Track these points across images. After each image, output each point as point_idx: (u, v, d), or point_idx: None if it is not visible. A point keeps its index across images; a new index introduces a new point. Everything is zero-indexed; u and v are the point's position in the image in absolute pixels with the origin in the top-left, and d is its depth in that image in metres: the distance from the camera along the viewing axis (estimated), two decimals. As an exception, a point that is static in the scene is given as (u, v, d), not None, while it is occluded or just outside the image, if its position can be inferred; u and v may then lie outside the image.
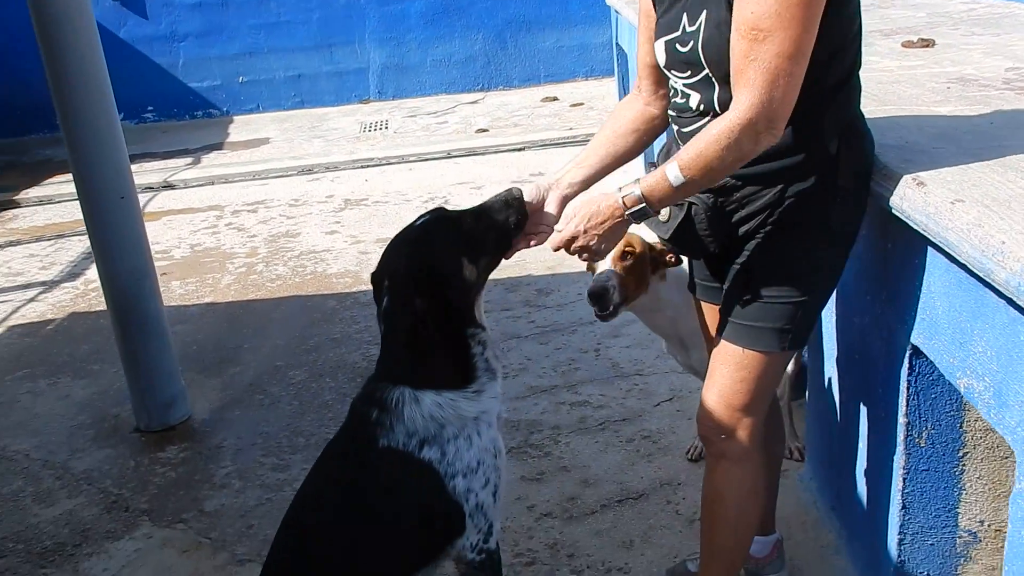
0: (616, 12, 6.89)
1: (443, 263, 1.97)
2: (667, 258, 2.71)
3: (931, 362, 1.93)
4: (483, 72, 9.91)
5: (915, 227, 1.75)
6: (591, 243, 1.95)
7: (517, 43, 9.83)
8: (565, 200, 2.09)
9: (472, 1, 9.69)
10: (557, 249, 2.01)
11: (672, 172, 1.80)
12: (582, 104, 8.99)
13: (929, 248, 1.80)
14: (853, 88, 1.91)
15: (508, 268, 5.19)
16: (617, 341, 4.16)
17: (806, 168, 1.86)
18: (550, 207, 2.09)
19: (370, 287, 2.08)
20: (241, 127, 9.63)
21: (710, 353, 2.14)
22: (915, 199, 1.73)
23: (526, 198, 2.07)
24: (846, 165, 1.86)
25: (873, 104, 2.38)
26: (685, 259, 2.50)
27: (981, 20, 3.56)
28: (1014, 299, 1.44)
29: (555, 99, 9.23)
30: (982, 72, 2.64)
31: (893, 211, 1.82)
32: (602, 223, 1.92)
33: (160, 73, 9.76)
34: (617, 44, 7.52)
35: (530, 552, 2.83)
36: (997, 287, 1.49)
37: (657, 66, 2.03)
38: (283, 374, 4.23)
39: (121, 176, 3.54)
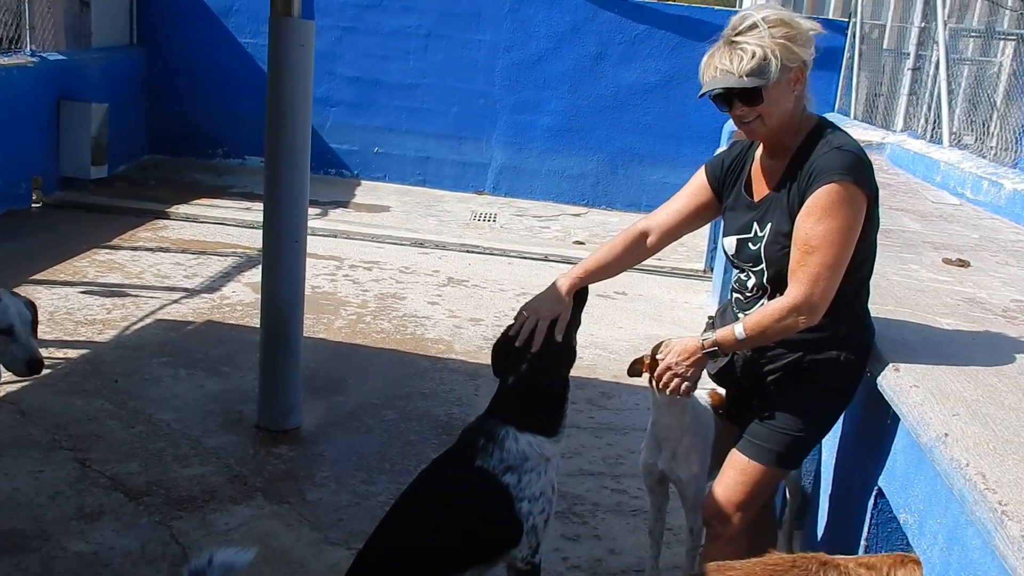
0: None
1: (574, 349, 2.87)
2: None
3: (888, 502, 2.63)
4: (591, 190, 10.87)
5: (887, 400, 2.48)
6: (684, 372, 2.70)
7: (627, 170, 10.78)
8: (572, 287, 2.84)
9: (595, 126, 10.71)
10: (660, 376, 2.75)
11: (738, 329, 2.58)
12: (674, 239, 9.80)
13: (898, 416, 2.53)
14: (864, 293, 2.68)
15: (580, 368, 5.95)
16: (661, 449, 4.87)
17: (820, 345, 2.61)
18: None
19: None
20: (367, 191, 10.68)
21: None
22: (891, 379, 2.47)
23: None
24: (849, 347, 2.62)
25: (894, 304, 3.13)
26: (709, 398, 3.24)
27: (1020, 251, 4.22)
28: (931, 460, 2.16)
29: (650, 229, 10.06)
30: (991, 298, 3.34)
31: (877, 386, 2.56)
32: (688, 358, 2.69)
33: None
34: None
35: (558, 591, 3.54)
36: (923, 448, 2.21)
37: (675, 231, 2.86)
38: (378, 411, 5.03)
39: (300, 225, 4.49)
